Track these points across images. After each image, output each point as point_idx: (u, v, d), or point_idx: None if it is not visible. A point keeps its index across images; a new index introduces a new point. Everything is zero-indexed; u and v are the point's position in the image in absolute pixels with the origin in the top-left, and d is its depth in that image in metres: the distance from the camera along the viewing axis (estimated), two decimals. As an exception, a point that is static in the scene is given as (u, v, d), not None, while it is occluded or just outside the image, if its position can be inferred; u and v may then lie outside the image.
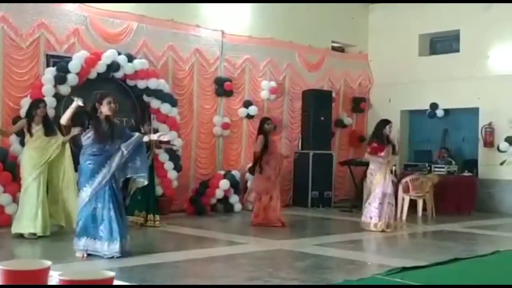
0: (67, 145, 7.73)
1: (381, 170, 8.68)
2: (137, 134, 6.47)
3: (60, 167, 7.66)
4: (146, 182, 6.43)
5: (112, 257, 5.95)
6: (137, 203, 8.57)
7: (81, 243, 6.06)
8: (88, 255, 6.05)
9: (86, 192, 6.03)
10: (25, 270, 2.19)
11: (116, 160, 6.11)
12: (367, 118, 14.11)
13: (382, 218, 8.60)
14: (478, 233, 9.08)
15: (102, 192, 6.03)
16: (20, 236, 7.25)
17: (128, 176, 6.34)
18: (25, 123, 7.64)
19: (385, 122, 8.95)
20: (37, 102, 7.79)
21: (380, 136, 8.80)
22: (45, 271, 2.20)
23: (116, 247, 5.97)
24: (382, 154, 8.69)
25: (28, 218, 7.27)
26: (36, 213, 7.27)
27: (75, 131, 7.29)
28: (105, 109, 6.16)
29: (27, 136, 7.58)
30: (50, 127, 7.68)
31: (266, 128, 9.10)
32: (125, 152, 6.14)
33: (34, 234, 7.25)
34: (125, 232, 6.14)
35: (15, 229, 7.34)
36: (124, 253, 6.03)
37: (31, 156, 7.48)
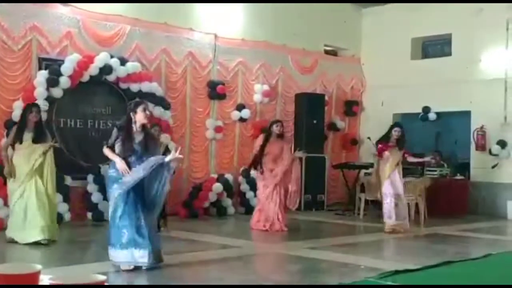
0: (51, 153, 7.22)
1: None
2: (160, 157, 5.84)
3: (43, 176, 7.16)
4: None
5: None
6: None
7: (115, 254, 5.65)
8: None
9: (114, 193, 5.65)
10: (15, 274, 2.18)
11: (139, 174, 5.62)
12: (360, 121, 14.15)
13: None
14: (470, 236, 9.11)
15: (126, 197, 5.63)
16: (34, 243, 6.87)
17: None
18: (16, 129, 7.17)
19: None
20: (30, 106, 7.35)
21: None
22: (35, 275, 2.19)
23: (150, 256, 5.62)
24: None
25: (33, 227, 6.92)
26: (41, 219, 6.93)
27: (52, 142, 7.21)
28: (140, 117, 5.75)
29: (17, 142, 7.11)
30: (41, 133, 7.22)
31: (273, 129, 9.13)
32: (142, 173, 5.59)
33: (46, 240, 6.92)
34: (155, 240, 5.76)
35: (23, 239, 6.92)
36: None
37: (19, 163, 7.08)
